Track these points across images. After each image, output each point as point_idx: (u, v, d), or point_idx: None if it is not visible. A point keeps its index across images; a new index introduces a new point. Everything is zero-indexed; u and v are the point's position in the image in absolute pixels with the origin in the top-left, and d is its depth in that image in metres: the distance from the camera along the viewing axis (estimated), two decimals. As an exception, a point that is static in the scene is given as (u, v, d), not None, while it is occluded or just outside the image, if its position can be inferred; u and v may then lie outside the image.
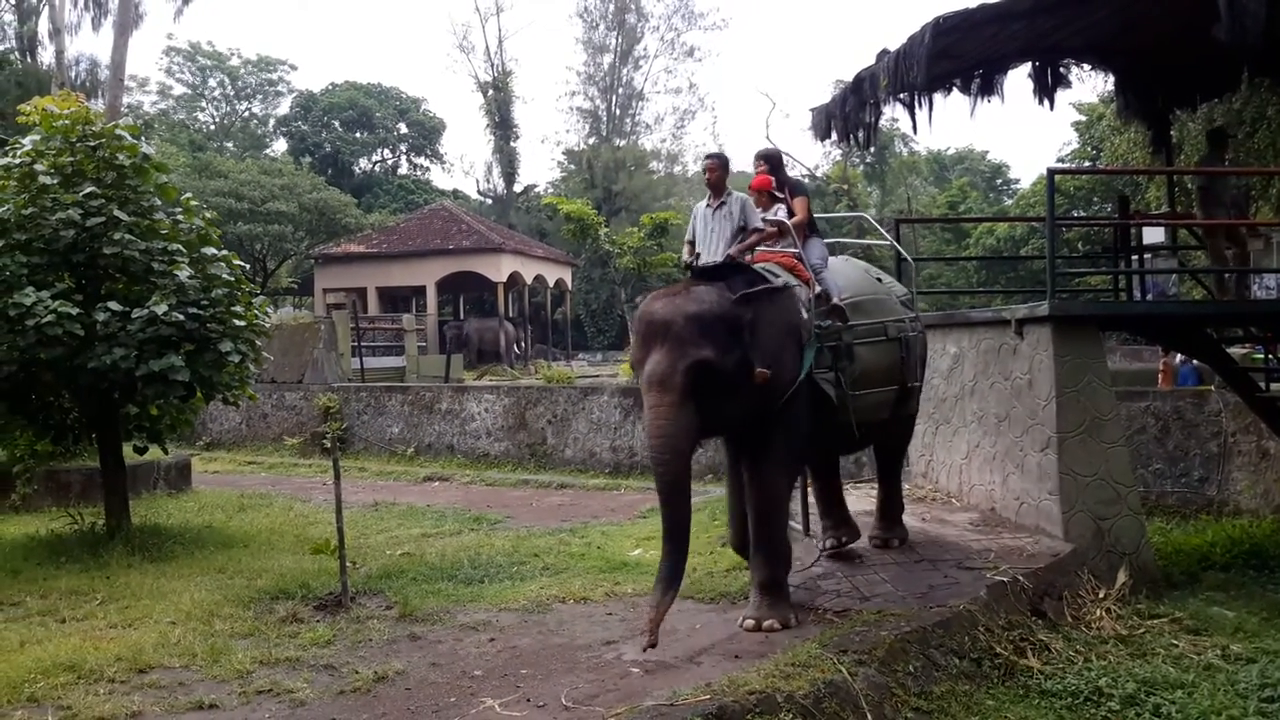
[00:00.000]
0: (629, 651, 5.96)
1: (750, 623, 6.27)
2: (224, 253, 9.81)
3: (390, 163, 60.02)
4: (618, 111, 61.50)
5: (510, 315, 37.23)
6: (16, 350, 8.45)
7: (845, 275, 7.28)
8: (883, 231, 8.70)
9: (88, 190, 8.88)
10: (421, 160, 60.76)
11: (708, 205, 6.82)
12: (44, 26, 38.21)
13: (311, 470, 16.75)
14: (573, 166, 60.11)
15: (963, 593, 6.76)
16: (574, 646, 6.13)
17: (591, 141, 59.73)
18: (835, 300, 6.77)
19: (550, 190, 56.47)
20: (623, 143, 59.15)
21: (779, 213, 7.06)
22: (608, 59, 60.94)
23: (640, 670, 5.60)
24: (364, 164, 58.28)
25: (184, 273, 8.98)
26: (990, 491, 9.33)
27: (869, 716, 5.18)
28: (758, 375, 5.95)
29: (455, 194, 56.66)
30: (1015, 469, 8.84)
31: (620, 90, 61.31)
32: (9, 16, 40.39)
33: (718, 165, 6.81)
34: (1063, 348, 8.29)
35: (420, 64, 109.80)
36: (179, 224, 9.58)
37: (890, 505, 8.21)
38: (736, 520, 6.99)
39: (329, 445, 10.25)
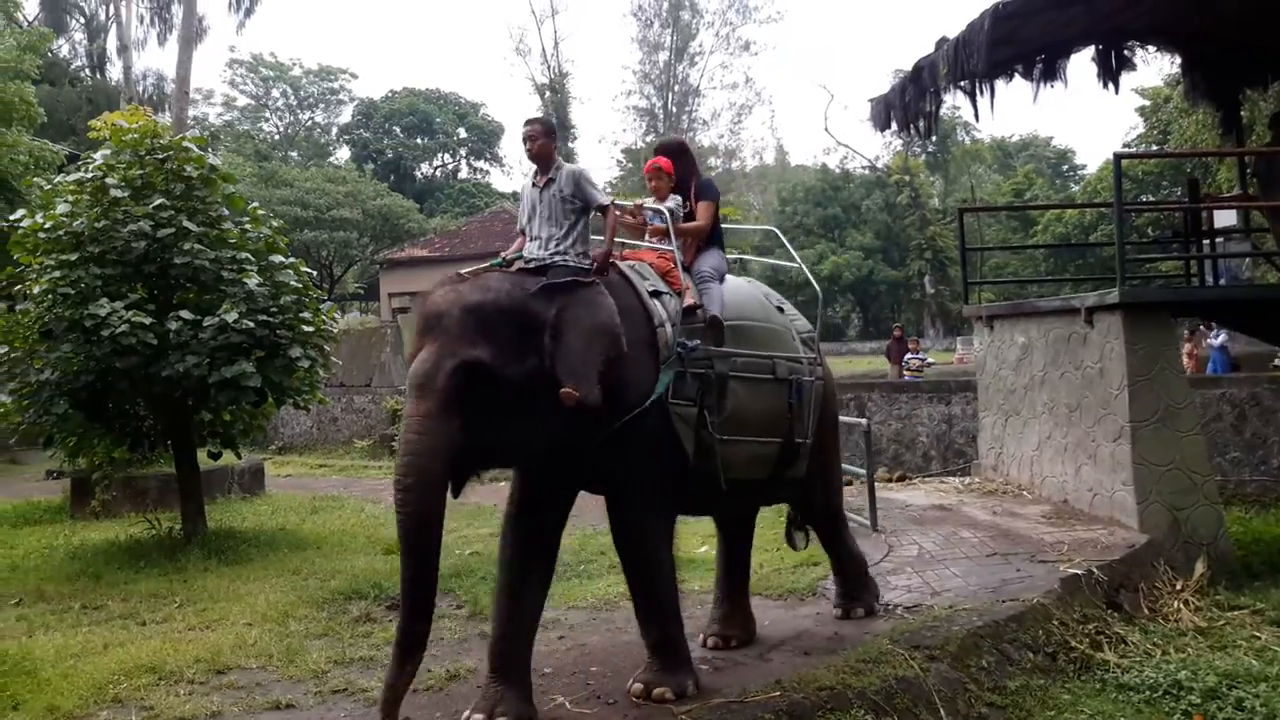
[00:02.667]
0: (696, 649, 5.94)
1: (638, 687, 5.09)
2: (291, 260, 9.96)
3: (451, 167, 60.55)
4: (674, 109, 61.48)
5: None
6: (93, 360, 8.66)
7: (736, 295, 5.80)
8: (790, 250, 7.39)
9: (157, 202, 9.06)
10: (481, 164, 61.26)
11: (534, 183, 5.34)
12: (112, 43, 39.31)
13: (381, 472, 16.92)
14: (631, 165, 60.18)
15: (1036, 586, 6.66)
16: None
17: (649, 140, 59.73)
18: (713, 314, 5.38)
19: (609, 190, 56.28)
20: (680, 140, 59.08)
21: (671, 204, 5.81)
22: (663, 57, 61.00)
23: (709, 667, 5.58)
24: (425, 169, 58.90)
25: (253, 281, 9.13)
26: (1062, 483, 9.19)
27: (942, 712, 5.12)
28: (563, 395, 4.53)
29: (515, 196, 56.77)
30: (1088, 460, 8.70)
31: (676, 87, 61.30)
32: (80, 35, 41.43)
33: (539, 132, 5.27)
34: (1134, 335, 8.16)
35: (478, 69, 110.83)
36: (247, 233, 9.75)
37: (845, 565, 6.57)
38: (504, 610, 5.08)
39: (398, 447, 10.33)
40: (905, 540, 8.18)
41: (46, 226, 9.00)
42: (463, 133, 59.29)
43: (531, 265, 5.08)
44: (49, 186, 10.01)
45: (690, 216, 5.86)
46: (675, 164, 5.95)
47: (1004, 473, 10.49)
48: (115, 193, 9.08)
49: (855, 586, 6.52)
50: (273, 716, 5.16)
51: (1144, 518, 7.89)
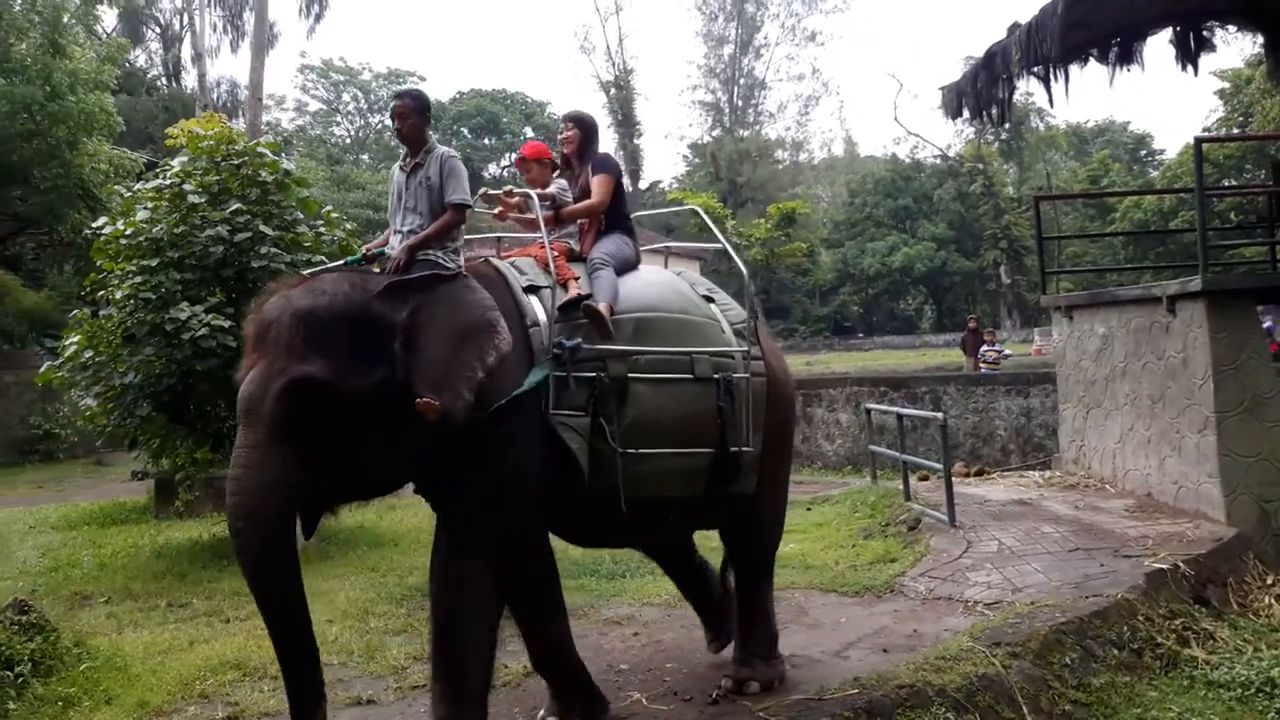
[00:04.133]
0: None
1: None
2: (365, 263, 10.07)
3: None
4: (740, 102, 61.38)
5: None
6: (174, 363, 8.83)
7: (646, 284, 4.99)
8: (714, 229, 6.21)
9: (234, 207, 9.22)
10: (548, 163, 61.68)
11: (401, 167, 4.72)
12: (187, 52, 40.27)
13: (454, 470, 17.05)
14: (697, 160, 60.22)
15: (1120, 581, 6.52)
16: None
17: (715, 134, 59.76)
18: (601, 305, 4.56)
19: (675, 186, 56.62)
20: (746, 133, 59.01)
21: (553, 189, 5.24)
22: (728, 50, 60.92)
23: (787, 665, 5.54)
24: (493, 169, 59.44)
25: (328, 283, 9.24)
26: (1146, 476, 8.98)
27: (1025, 710, 5.04)
28: (422, 406, 3.88)
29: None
30: (1172, 452, 8.50)
31: (741, 81, 61.18)
32: (155, 45, 42.45)
33: (409, 108, 4.62)
34: (1218, 324, 7.95)
35: (543, 68, 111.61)
36: (321, 236, 9.87)
37: (751, 626, 5.32)
38: (519, 622, 4.85)
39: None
40: (985, 536, 8.06)
41: (127, 233, 9.21)
42: (529, 132, 59.71)
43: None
44: (129, 194, 10.23)
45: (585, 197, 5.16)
46: (584, 139, 5.31)
47: (1085, 466, 10.28)
48: (193, 199, 9.23)
49: (752, 654, 5.25)
50: (354, 712, 5.23)
51: (1231, 510, 7.69)
